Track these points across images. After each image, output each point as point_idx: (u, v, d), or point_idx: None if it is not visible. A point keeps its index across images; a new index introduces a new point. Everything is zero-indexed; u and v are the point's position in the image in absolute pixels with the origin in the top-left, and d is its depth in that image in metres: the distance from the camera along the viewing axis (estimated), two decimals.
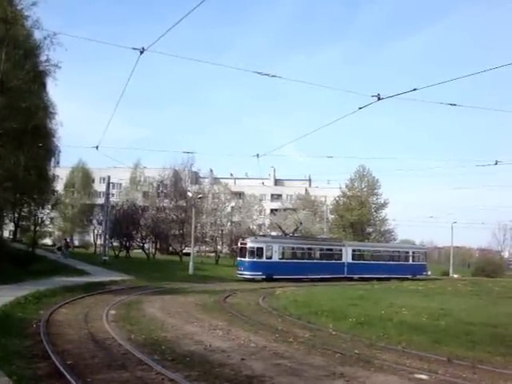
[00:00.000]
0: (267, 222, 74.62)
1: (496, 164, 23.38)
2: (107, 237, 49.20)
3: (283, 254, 44.40)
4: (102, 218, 53.76)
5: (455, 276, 68.51)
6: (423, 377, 10.01)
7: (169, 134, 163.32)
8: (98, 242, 61.10)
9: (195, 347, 12.28)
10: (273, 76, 14.28)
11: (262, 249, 42.41)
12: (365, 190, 79.02)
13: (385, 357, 11.87)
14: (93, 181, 73.35)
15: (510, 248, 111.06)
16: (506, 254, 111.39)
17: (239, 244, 44.51)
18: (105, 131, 62.84)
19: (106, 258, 46.01)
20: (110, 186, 52.02)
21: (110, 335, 13.24)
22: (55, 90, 76.02)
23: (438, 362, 11.37)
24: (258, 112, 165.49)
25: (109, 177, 49.82)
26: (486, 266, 76.00)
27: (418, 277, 52.75)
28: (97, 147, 25.66)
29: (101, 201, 60.78)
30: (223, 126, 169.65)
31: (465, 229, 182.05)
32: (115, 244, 59.74)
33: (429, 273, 58.61)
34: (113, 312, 18.01)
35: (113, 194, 65.41)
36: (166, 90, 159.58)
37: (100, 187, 72.84)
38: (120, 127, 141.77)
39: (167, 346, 12.15)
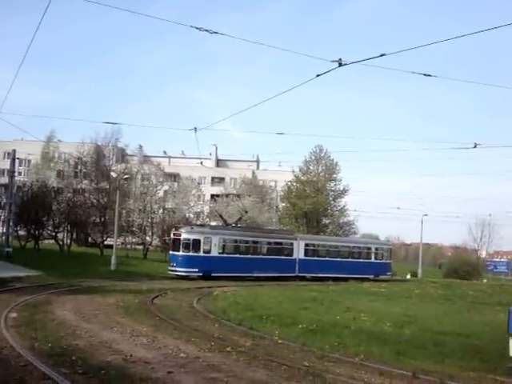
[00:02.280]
0: (206, 209, 74.48)
1: (475, 147, 23.70)
2: (11, 224, 48.11)
3: (224, 247, 44.40)
4: (5, 201, 52.54)
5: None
6: None
7: (89, 102, 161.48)
8: (0, 230, 59.83)
9: (113, 357, 12.02)
10: (214, 33, 14.02)
11: (198, 241, 42.23)
12: (322, 174, 79.50)
13: (339, 370, 11.86)
14: None
15: (488, 246, 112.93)
16: (483, 254, 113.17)
17: (172, 235, 44.17)
18: (7, 94, 61.52)
19: (10, 249, 44.98)
20: (16, 163, 50.85)
21: (7, 343, 12.82)
22: None
23: (401, 377, 11.42)
24: (193, 79, 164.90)
25: (14, 151, 48.61)
26: (459, 267, 77.55)
27: (381, 277, 53.55)
28: None
29: (4, 180, 59.41)
30: (153, 93, 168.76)
31: (437, 223, 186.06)
32: (21, 233, 58.50)
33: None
34: (13, 315, 17.52)
35: (19, 173, 64.22)
36: (84, 47, 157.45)
37: (4, 164, 71.29)
38: (28, 90, 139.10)
39: (79, 356, 11.83)
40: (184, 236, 42.07)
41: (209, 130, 40.12)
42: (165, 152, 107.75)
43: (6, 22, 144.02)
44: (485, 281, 69.21)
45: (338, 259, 51.44)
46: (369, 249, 55.92)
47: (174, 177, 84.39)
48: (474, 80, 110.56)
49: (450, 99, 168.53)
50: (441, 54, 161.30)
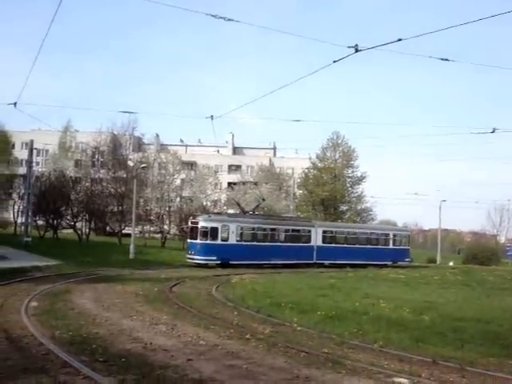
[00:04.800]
0: (223, 197, 74.54)
1: (493, 132, 23.55)
2: (30, 214, 48.42)
3: (242, 235, 44.37)
4: (24, 191, 52.88)
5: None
6: (403, 380, 9.99)
7: (105, 91, 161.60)
8: (20, 220, 60.25)
9: (133, 345, 12.08)
10: (229, 20, 13.98)
11: (216, 229, 42.29)
12: (339, 161, 79.34)
13: (358, 357, 11.85)
14: (12, 146, 71.92)
15: (508, 232, 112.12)
16: (502, 239, 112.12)
17: (190, 223, 44.33)
18: (25, 84, 61.79)
19: (29, 239, 45.29)
20: (34, 153, 51.10)
21: (28, 332, 12.92)
22: None
23: (421, 364, 11.38)
24: (209, 66, 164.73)
25: (32, 141, 48.83)
26: (478, 253, 77.10)
27: (400, 263, 53.42)
28: (15, 104, 25.07)
29: (22, 170, 59.79)
30: (169, 82, 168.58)
31: (455, 209, 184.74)
32: (40, 223, 58.95)
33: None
34: (34, 304, 17.64)
35: (37, 163, 64.64)
36: (99, 35, 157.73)
37: (21, 154, 71.58)
38: (44, 80, 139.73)
39: (99, 344, 11.91)
40: (202, 224, 42.14)
41: (225, 117, 40.41)
42: (181, 140, 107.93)
43: (19, 11, 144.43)
44: None
45: (356, 246, 51.34)
46: (387, 235, 55.72)
47: (191, 165, 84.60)
48: (492, 64, 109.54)
49: (468, 84, 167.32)
50: (458, 38, 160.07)
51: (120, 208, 61.33)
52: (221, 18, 14.05)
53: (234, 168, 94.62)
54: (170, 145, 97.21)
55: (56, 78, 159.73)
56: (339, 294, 23.24)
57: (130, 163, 63.68)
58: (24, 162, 59.53)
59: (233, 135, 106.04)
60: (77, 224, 61.38)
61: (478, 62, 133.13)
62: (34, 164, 51.12)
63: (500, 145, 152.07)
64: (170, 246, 59.79)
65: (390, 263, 51.99)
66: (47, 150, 78.24)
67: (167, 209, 65.36)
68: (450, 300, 22.56)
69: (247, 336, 13.62)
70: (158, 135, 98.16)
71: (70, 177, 63.10)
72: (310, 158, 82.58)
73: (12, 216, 64.66)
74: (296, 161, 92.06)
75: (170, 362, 10.64)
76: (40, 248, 42.35)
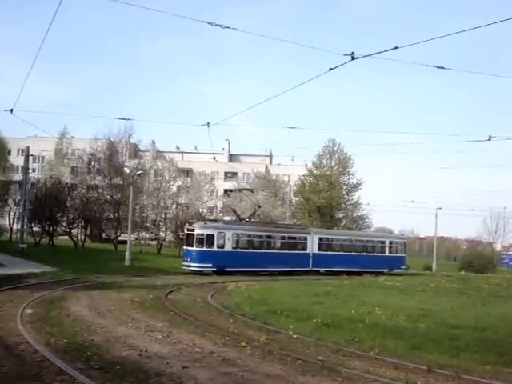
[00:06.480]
0: (220, 204, 74.46)
1: (489, 140, 23.60)
2: (26, 220, 48.35)
3: (238, 242, 44.33)
4: (19, 197, 52.84)
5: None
6: None
7: (102, 98, 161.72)
8: (15, 226, 60.16)
9: (128, 353, 12.07)
10: (226, 27, 13.99)
11: (212, 236, 42.22)
12: (335, 168, 79.33)
13: (354, 364, 11.85)
14: (8, 152, 71.83)
15: (504, 239, 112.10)
16: (498, 247, 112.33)
17: (186, 230, 44.19)
18: (21, 91, 61.49)
19: (24, 245, 45.32)
20: (30, 159, 51.07)
21: (23, 339, 12.89)
22: None
23: (416, 372, 11.39)
24: (205, 73, 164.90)
25: (28, 148, 48.87)
26: (474, 260, 77.27)
27: (396, 271, 53.39)
28: (11, 110, 25.05)
29: (19, 177, 59.74)
30: (166, 89, 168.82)
31: (451, 216, 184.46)
32: (36, 229, 58.85)
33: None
34: (29, 311, 17.60)
35: (33, 169, 64.53)
36: (96, 42, 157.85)
37: (17, 160, 71.60)
38: (41, 87, 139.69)
39: (94, 351, 11.89)
40: (198, 231, 42.07)
41: (221, 124, 40.78)
42: (178, 147, 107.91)
43: (16, 18, 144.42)
44: None
45: (352, 253, 51.31)
46: (383, 242, 55.70)
47: (187, 172, 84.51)
48: (488, 71, 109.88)
49: (465, 91, 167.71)
50: (454, 47, 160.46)
51: (116, 215, 61.29)
52: (217, 25, 14.05)
53: (230, 175, 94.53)
54: (166, 152, 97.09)
55: (52, 85, 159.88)
56: (335, 302, 23.24)
57: (126, 170, 63.61)
58: (20, 169, 59.53)
59: (229, 142, 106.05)
60: (72, 231, 61.38)
61: (474, 70, 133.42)
62: (29, 170, 51.05)
63: (496, 152, 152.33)
64: (166, 253, 59.74)
65: (386, 271, 51.93)
66: (43, 157, 78.28)
67: (163, 216, 65.29)
68: (445, 307, 22.55)
69: (243, 343, 13.60)
70: (154, 142, 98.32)
71: (66, 183, 63.07)
72: (306, 166, 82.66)
73: (8, 222, 64.60)
74: (292, 168, 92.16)
75: (166, 369, 10.63)
76: (36, 255, 42.32)
